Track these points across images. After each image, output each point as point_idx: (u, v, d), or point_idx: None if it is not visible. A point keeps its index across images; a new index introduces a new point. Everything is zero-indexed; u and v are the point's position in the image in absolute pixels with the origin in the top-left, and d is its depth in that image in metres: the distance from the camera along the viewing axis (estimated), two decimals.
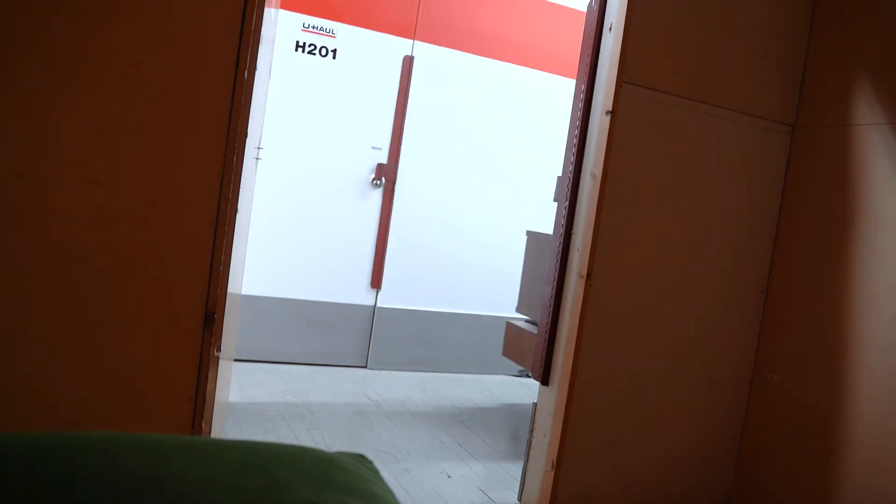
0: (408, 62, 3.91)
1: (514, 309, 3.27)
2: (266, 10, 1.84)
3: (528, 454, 2.35)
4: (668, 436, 2.37)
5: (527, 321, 3.22)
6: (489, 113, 4.11)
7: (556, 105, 4.12)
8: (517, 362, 3.17)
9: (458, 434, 3.06)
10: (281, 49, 3.58)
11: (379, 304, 3.96)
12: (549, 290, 2.27)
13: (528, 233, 3.24)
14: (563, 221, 2.23)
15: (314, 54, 3.74)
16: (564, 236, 2.22)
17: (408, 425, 3.11)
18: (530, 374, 3.00)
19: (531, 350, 2.87)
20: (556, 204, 2.38)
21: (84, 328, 1.71)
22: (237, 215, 1.84)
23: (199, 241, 1.78)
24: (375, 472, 0.86)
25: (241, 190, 1.83)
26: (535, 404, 2.37)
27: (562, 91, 4.13)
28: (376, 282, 3.95)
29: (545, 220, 3.26)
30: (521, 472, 2.44)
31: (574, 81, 2.33)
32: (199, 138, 1.76)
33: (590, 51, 2.18)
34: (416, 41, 3.91)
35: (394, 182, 3.92)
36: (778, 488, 2.35)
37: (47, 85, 1.64)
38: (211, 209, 1.78)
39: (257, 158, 2.52)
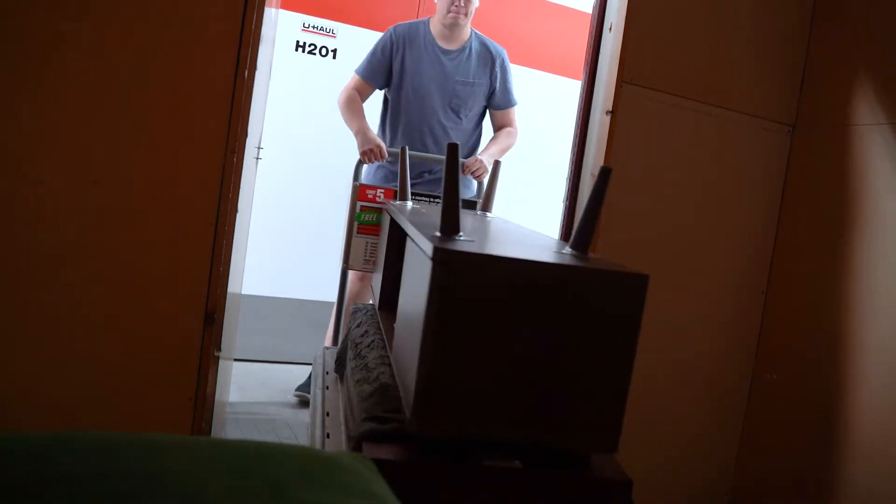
0: None
1: None
2: (266, 10, 1.84)
3: None
4: (669, 436, 2.37)
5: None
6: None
7: (558, 105, 4.12)
8: None
9: None
10: (281, 49, 3.57)
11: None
12: None
13: None
14: (563, 221, 2.23)
15: (314, 54, 3.74)
16: (565, 236, 2.22)
17: None
18: None
19: None
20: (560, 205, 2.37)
21: (84, 328, 1.71)
22: (237, 215, 1.84)
23: (199, 241, 1.78)
24: (375, 472, 0.86)
25: (241, 190, 1.83)
26: None
27: (563, 91, 4.13)
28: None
29: (547, 220, 3.26)
30: None
31: (576, 81, 2.33)
32: (199, 138, 1.76)
33: (590, 50, 2.19)
34: None
35: None
36: (779, 488, 2.35)
37: (47, 85, 1.64)
38: (211, 209, 1.78)
39: (257, 158, 2.52)
